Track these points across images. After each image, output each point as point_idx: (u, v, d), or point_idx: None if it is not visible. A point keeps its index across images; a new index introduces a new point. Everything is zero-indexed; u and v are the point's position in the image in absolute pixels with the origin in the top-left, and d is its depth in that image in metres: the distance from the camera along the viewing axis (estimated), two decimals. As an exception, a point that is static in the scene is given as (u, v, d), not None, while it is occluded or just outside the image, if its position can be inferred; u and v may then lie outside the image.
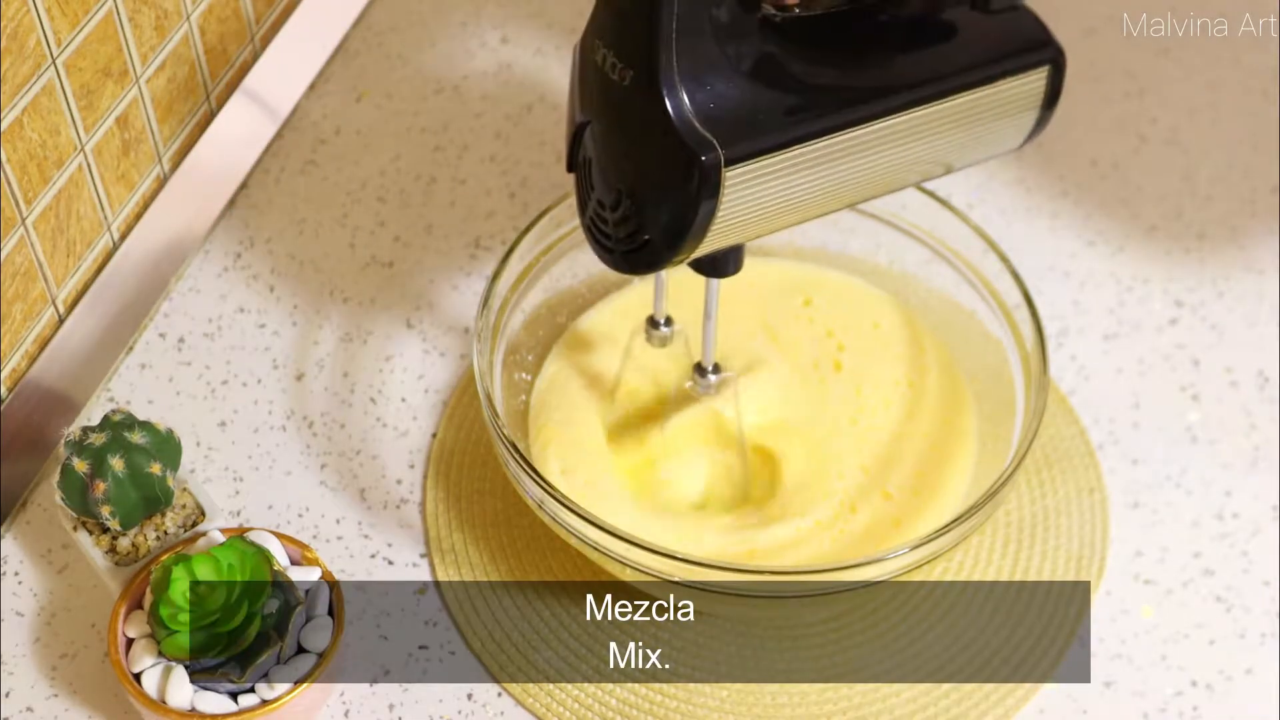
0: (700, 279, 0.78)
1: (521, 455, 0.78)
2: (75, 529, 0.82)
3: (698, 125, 0.67)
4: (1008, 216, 1.02)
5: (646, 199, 0.70)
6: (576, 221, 0.89)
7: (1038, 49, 0.75)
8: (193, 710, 0.75)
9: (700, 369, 0.84)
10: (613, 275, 0.92)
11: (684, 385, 0.86)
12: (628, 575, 0.79)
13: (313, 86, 1.09)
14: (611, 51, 0.69)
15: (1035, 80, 0.75)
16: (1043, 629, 0.84)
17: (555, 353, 0.90)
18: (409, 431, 0.92)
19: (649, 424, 0.87)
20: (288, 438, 0.91)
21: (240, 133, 1.02)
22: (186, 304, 0.97)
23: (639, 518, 0.83)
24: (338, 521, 0.88)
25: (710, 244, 0.71)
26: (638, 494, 0.85)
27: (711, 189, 0.68)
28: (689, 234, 0.69)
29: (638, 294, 0.92)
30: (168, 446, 0.81)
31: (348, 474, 0.90)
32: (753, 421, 0.86)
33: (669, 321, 0.85)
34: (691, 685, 0.82)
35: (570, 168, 0.75)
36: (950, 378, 0.88)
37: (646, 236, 0.71)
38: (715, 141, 0.67)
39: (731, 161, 0.68)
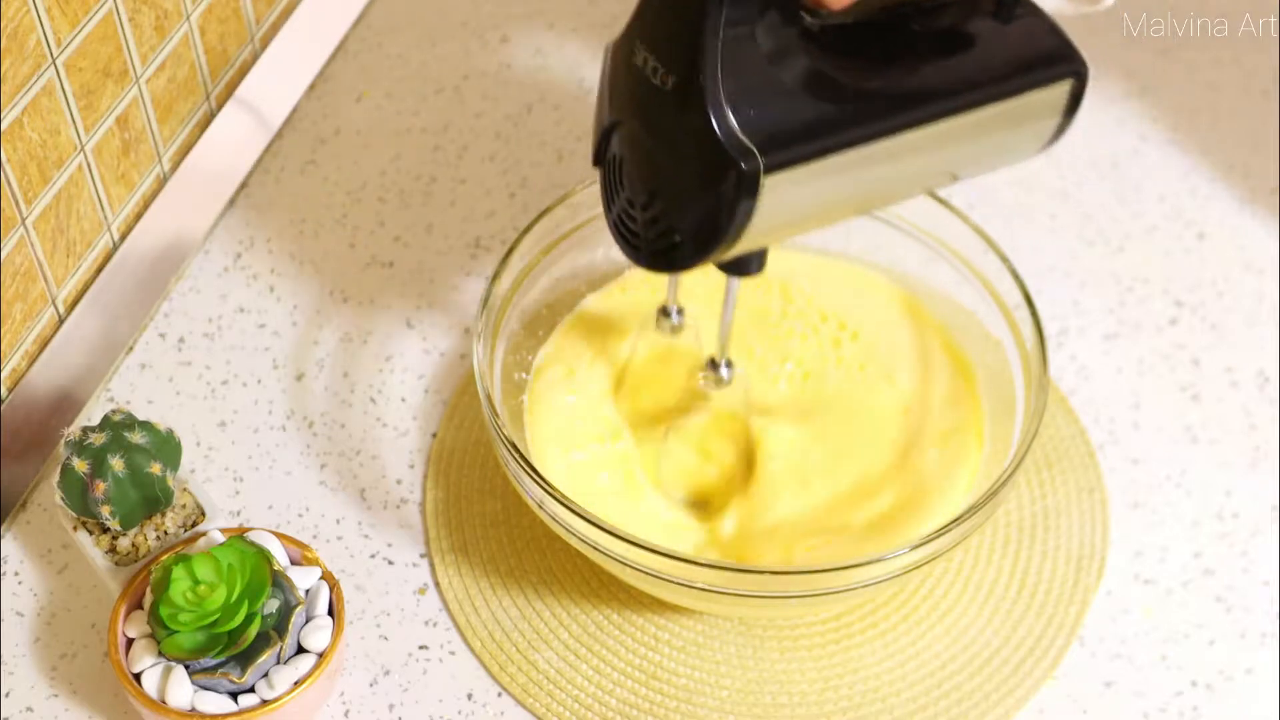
0: (713, 270, 0.78)
1: (521, 455, 0.78)
2: (75, 529, 0.82)
3: (738, 132, 0.68)
4: (1008, 216, 1.02)
5: (680, 203, 0.70)
6: (577, 221, 0.89)
7: (1061, 61, 0.76)
8: (193, 710, 0.75)
9: (713, 363, 0.84)
10: (610, 272, 0.92)
11: (695, 381, 0.86)
12: (628, 575, 0.79)
13: (313, 86, 1.09)
14: (654, 56, 0.69)
15: (1058, 91, 0.76)
16: (1043, 629, 0.84)
17: (554, 342, 0.90)
18: (409, 431, 0.92)
19: (653, 419, 0.87)
20: (288, 438, 0.91)
21: (240, 132, 1.02)
22: (186, 304, 0.97)
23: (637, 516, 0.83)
24: (338, 521, 0.88)
25: (739, 248, 0.72)
26: (626, 486, 0.85)
27: (749, 196, 0.68)
28: (722, 239, 0.70)
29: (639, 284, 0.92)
30: (168, 446, 0.81)
31: (348, 474, 0.90)
32: (760, 416, 0.86)
33: (680, 311, 0.86)
34: (691, 685, 0.82)
35: (596, 162, 0.75)
36: (962, 377, 0.88)
37: (677, 238, 0.71)
38: (755, 149, 0.67)
39: (770, 169, 0.68)
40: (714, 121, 0.67)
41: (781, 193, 0.69)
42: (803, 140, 0.70)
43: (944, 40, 0.75)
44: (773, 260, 0.91)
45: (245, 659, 0.75)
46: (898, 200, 0.78)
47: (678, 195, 0.70)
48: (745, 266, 0.77)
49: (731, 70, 0.67)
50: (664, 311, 0.86)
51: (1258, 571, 0.87)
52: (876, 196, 0.77)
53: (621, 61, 0.71)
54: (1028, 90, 0.75)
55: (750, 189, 0.68)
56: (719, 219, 0.69)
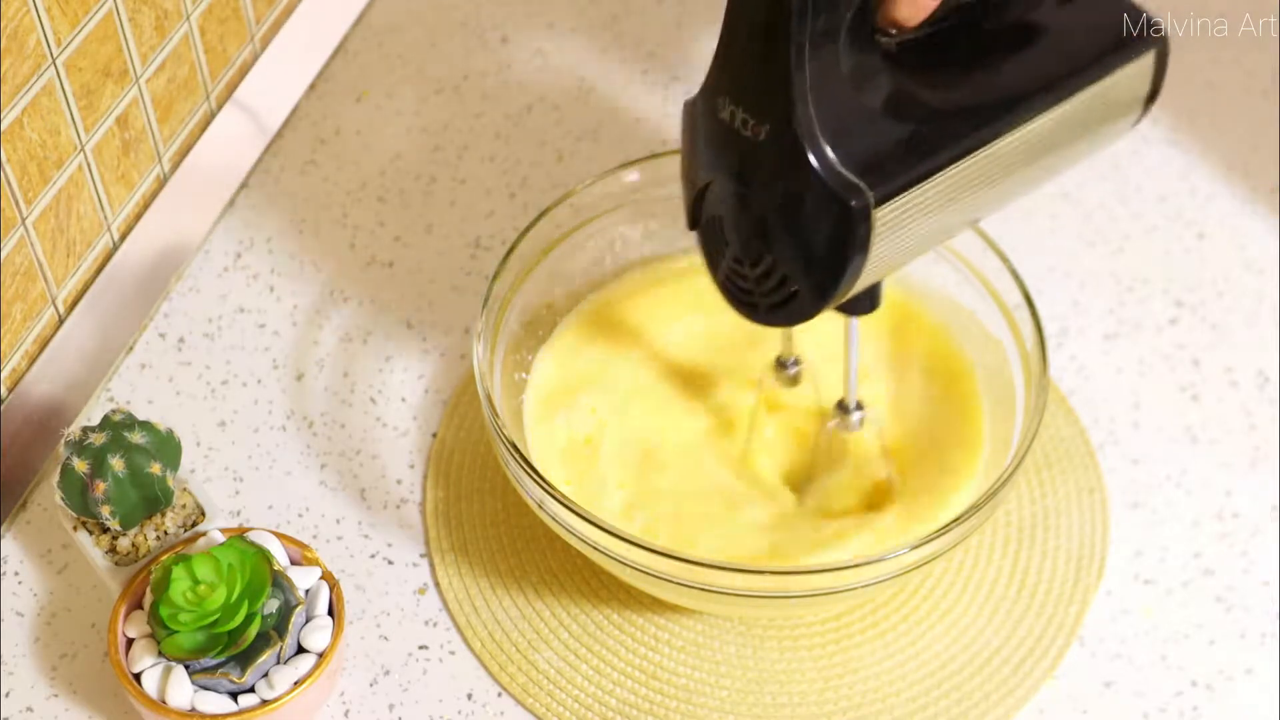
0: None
1: (522, 455, 0.78)
2: (75, 529, 0.82)
3: (842, 170, 0.66)
4: (1008, 216, 1.02)
5: (793, 252, 0.69)
6: (577, 221, 0.89)
7: (1139, 31, 0.75)
8: (193, 710, 0.75)
9: (843, 406, 0.83)
10: (610, 272, 0.92)
11: (827, 426, 0.84)
12: (628, 575, 0.79)
13: (313, 86, 1.09)
14: (741, 108, 0.68)
15: (1143, 63, 0.75)
16: (1043, 629, 0.84)
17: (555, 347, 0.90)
18: (409, 431, 0.92)
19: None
20: (288, 438, 0.91)
21: (240, 132, 1.02)
22: (186, 304, 0.97)
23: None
24: (338, 521, 0.88)
25: (859, 286, 0.71)
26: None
27: (864, 232, 0.67)
28: (842, 281, 0.69)
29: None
30: (168, 446, 0.81)
31: (348, 474, 0.90)
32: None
33: (797, 362, 0.85)
34: (691, 685, 0.82)
35: (692, 226, 0.74)
36: (962, 378, 0.88)
37: (794, 289, 0.70)
38: (862, 184, 0.66)
39: (880, 202, 0.67)
40: (815, 164, 0.66)
41: (894, 222, 0.68)
42: (905, 166, 0.68)
43: (1018, 35, 0.74)
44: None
45: (245, 659, 0.75)
46: (1008, 204, 0.77)
47: (790, 245, 0.69)
48: (860, 304, 0.75)
49: (822, 110, 0.66)
50: (780, 363, 0.85)
51: (1258, 571, 0.87)
52: (986, 206, 0.75)
53: (706, 118, 0.70)
54: (1113, 69, 0.74)
55: (863, 225, 0.67)
56: (836, 261, 0.68)
